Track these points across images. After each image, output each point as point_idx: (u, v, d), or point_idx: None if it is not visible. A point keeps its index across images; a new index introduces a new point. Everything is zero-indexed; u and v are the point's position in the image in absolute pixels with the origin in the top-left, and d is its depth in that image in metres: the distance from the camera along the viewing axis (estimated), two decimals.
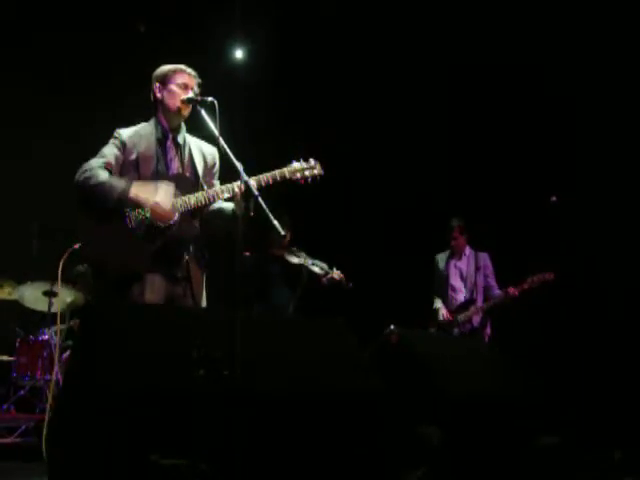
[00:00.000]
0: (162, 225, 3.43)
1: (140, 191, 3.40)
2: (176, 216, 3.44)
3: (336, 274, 5.73)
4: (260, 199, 3.21)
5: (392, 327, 3.09)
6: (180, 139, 3.70)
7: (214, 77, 6.95)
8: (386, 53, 7.36)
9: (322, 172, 3.68)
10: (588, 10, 6.15)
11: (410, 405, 2.90)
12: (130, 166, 3.51)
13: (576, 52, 6.32)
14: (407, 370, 3.02)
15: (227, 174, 3.57)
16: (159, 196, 3.41)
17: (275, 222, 3.16)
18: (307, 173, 3.63)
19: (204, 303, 3.61)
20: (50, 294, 5.75)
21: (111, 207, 3.37)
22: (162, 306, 3.08)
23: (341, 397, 2.52)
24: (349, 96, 7.63)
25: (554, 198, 5.23)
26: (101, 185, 3.37)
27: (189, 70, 3.69)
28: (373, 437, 2.59)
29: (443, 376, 3.05)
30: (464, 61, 7.02)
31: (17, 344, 6.02)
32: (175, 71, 3.66)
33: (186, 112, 3.62)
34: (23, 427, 5.35)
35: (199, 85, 3.70)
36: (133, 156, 3.52)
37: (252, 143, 5.91)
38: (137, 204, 3.40)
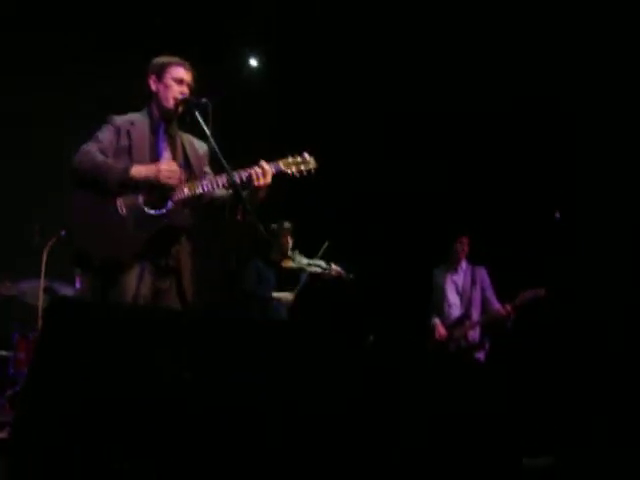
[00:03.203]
0: (172, 184, 3.39)
1: (142, 167, 3.40)
2: (169, 204, 3.42)
3: (334, 270, 5.72)
4: (246, 203, 3.19)
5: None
6: (172, 131, 3.67)
7: (228, 82, 7.16)
8: (397, 65, 7.35)
9: (316, 166, 3.63)
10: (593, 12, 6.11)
11: None
12: (123, 152, 3.49)
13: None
14: None
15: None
16: (163, 164, 3.42)
17: (260, 226, 3.15)
18: (302, 167, 3.59)
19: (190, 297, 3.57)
20: (49, 290, 5.74)
21: (111, 188, 3.35)
22: (138, 306, 3.02)
23: None
24: (356, 103, 7.65)
25: (557, 214, 5.16)
26: (99, 167, 3.35)
27: (186, 63, 3.66)
28: None
29: None
30: (471, 76, 6.99)
31: (15, 340, 6.02)
32: (171, 64, 3.64)
33: (180, 110, 3.60)
34: None
35: (194, 78, 3.67)
36: (126, 142, 3.51)
37: (255, 146, 5.89)
38: (140, 178, 3.37)
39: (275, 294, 5.87)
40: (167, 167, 3.42)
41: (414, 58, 7.18)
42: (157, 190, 3.41)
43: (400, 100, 7.46)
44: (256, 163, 3.51)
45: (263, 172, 3.45)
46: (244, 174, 3.45)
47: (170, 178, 3.41)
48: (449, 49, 6.98)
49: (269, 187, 3.49)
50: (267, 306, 5.82)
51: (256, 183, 3.44)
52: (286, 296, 5.86)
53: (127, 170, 3.36)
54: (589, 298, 5.95)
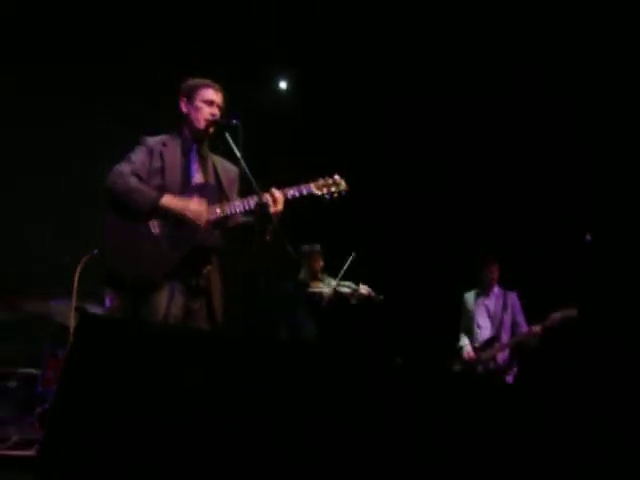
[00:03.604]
0: (196, 225, 3.40)
1: (173, 199, 3.43)
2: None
3: (364, 290, 5.67)
4: (275, 222, 3.20)
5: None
6: (203, 152, 3.70)
7: (258, 105, 7.19)
8: (430, 87, 7.35)
9: (347, 188, 3.63)
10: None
11: None
12: (156, 173, 3.53)
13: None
14: None
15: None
16: (193, 204, 3.43)
17: (289, 247, 3.15)
18: (333, 189, 3.59)
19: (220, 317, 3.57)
20: (79, 310, 5.77)
21: (142, 213, 3.39)
22: (167, 325, 3.03)
23: None
24: (382, 125, 7.69)
25: (589, 236, 5.10)
26: (132, 192, 3.39)
27: (215, 85, 3.70)
28: None
29: None
30: (503, 103, 6.99)
31: (45, 358, 6.05)
32: (201, 85, 3.68)
33: (211, 131, 3.63)
34: None
35: (225, 100, 3.70)
36: (158, 164, 3.54)
37: (282, 167, 5.91)
38: (169, 210, 3.40)
39: (311, 289, 5.82)
40: (196, 207, 3.43)
41: (446, 82, 7.19)
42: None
43: (428, 123, 7.47)
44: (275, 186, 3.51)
45: (274, 200, 3.44)
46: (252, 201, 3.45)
47: (196, 219, 3.43)
48: (481, 68, 7.01)
49: (281, 214, 3.47)
50: (296, 305, 5.78)
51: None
52: (324, 290, 5.80)
53: (158, 199, 3.40)
54: (620, 320, 5.85)
